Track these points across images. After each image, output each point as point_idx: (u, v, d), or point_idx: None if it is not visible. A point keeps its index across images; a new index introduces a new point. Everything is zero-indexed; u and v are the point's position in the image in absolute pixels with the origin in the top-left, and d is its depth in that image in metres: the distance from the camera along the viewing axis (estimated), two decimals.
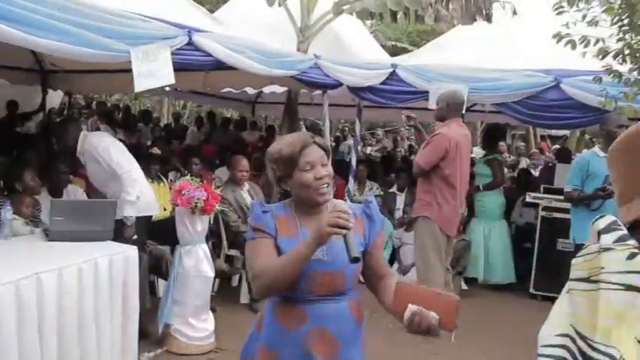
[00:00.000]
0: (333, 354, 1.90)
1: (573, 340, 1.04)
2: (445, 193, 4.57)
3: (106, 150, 4.11)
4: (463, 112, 5.05)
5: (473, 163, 6.14)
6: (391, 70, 5.91)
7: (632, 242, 0.99)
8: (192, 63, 4.39)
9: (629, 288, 0.96)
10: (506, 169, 7.91)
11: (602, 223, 1.03)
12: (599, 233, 1.02)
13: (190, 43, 4.22)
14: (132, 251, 3.62)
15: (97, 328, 3.35)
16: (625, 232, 1.01)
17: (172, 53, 4.08)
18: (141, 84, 3.80)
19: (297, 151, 1.85)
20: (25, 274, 2.90)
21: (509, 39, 6.48)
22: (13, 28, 3.22)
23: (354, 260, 1.73)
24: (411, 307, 1.63)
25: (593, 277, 0.99)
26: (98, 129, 8.27)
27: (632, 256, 0.97)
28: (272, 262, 1.84)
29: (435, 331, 1.62)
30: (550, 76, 5.36)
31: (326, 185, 1.86)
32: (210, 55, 4.37)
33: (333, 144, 12.04)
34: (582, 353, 1.01)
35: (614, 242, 0.99)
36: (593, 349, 1.00)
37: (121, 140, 6.61)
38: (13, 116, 8.10)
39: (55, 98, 8.94)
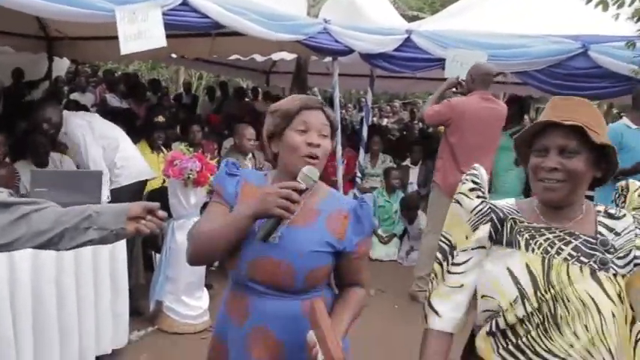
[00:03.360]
0: None
1: None
2: (451, 161, 4.54)
3: (83, 146, 3.97)
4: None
5: None
6: (406, 36, 5.54)
7: (479, 180, 1.57)
8: (189, 25, 4.12)
9: (457, 202, 1.56)
10: None
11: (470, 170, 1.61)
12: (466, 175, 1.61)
13: (185, 3, 3.95)
14: None
15: (79, 306, 3.16)
16: (475, 172, 1.59)
17: (165, 14, 3.83)
18: (128, 46, 3.55)
19: (296, 108, 1.64)
20: None
21: (533, 1, 6.03)
22: None
23: (261, 239, 1.53)
24: (311, 334, 1.48)
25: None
26: (104, 99, 8.08)
27: (472, 190, 1.55)
28: (208, 226, 1.63)
29: None
30: (577, 43, 4.96)
31: (315, 156, 1.61)
32: (206, 16, 4.08)
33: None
34: None
35: (468, 178, 1.58)
36: (441, 235, 1.59)
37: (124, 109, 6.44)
38: (19, 85, 7.92)
39: (62, 66, 8.75)
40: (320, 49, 5.36)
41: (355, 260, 1.69)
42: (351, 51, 5.53)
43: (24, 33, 6.96)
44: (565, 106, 1.46)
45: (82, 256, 3.15)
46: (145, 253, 4.53)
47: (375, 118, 11.99)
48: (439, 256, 1.57)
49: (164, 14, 3.77)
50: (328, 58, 5.93)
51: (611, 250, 1.42)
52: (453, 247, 1.54)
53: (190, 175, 3.69)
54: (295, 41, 5.05)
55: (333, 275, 1.74)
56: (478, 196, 1.53)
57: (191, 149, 3.92)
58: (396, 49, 5.56)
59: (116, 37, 3.64)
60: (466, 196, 1.54)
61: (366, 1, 7.78)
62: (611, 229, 1.46)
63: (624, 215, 1.49)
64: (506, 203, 1.56)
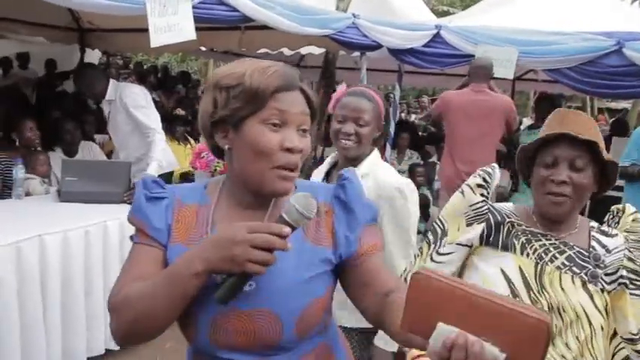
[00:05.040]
0: None
1: None
2: (448, 153, 4.71)
3: (139, 108, 3.94)
4: (497, 75, 4.82)
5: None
6: (435, 31, 5.48)
7: (489, 180, 1.54)
8: (218, 18, 4.13)
9: (461, 192, 1.56)
10: None
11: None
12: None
13: None
14: None
15: (106, 293, 3.21)
16: (489, 170, 1.54)
17: (195, 7, 3.84)
18: (158, 39, 3.58)
19: (270, 88, 1.08)
20: (28, 235, 2.79)
21: None
22: None
23: (219, 300, 1.01)
24: (443, 329, 0.83)
25: None
26: None
27: (479, 186, 1.53)
28: (137, 289, 1.06)
29: None
30: (611, 40, 4.84)
31: (293, 167, 1.10)
32: (236, 9, 4.10)
33: None
34: None
35: (480, 174, 1.55)
36: (438, 218, 1.59)
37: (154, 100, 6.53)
38: (52, 75, 8.08)
39: (93, 57, 8.90)
40: (348, 43, 5.33)
41: (365, 262, 1.16)
42: (379, 46, 5.49)
43: (57, 24, 7.08)
44: (576, 120, 1.46)
45: (109, 244, 3.21)
46: None
47: (402, 114, 11.92)
48: (430, 237, 1.57)
49: (194, 7, 3.80)
50: (356, 53, 5.90)
51: (602, 265, 1.44)
52: (444, 234, 1.54)
53: (217, 168, 3.72)
54: (324, 36, 5.04)
55: (352, 304, 1.20)
56: (482, 194, 1.53)
57: None
58: (424, 45, 5.50)
59: (147, 30, 3.68)
60: (471, 189, 1.54)
61: None
62: (603, 246, 1.48)
63: (616, 235, 1.52)
64: (505, 206, 1.56)
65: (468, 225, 1.51)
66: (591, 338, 1.37)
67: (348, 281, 1.18)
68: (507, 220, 1.51)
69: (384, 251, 1.22)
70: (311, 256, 1.14)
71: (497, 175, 1.56)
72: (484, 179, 1.54)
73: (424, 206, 5.96)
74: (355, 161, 2.06)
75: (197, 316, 1.10)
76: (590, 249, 1.47)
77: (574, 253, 1.45)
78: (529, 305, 0.85)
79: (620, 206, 1.63)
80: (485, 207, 1.52)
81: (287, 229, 0.99)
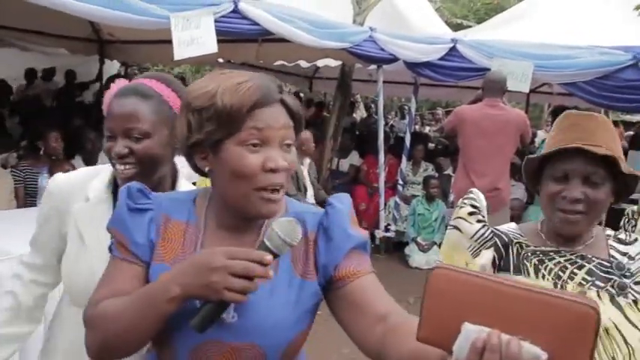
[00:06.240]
0: None
1: None
2: (461, 167, 4.70)
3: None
4: (512, 89, 4.83)
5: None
6: (451, 45, 5.54)
7: (478, 204, 1.44)
8: (239, 32, 4.24)
9: (455, 228, 1.44)
10: None
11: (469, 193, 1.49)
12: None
13: (236, 10, 4.06)
14: None
15: None
16: (473, 196, 1.46)
17: (217, 21, 3.95)
18: (181, 52, 3.67)
19: (245, 107, 0.98)
20: None
21: (582, 13, 5.97)
22: None
23: (195, 328, 0.94)
24: (470, 330, 0.70)
25: None
26: None
27: (471, 214, 1.42)
28: (113, 306, 1.01)
29: None
30: (628, 54, 4.87)
31: (278, 186, 1.02)
32: (256, 23, 4.19)
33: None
34: None
35: (466, 202, 1.45)
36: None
37: None
38: (71, 86, 8.23)
39: (112, 69, 9.04)
40: (365, 57, 5.40)
41: (347, 286, 1.06)
42: (396, 59, 5.56)
43: (78, 36, 7.23)
44: (590, 127, 1.29)
45: None
46: None
47: (417, 126, 11.98)
48: None
49: (216, 21, 3.89)
50: (373, 66, 5.97)
51: (627, 274, 1.30)
52: None
53: None
54: (341, 49, 5.11)
55: (351, 337, 1.06)
56: (478, 220, 1.41)
57: None
58: (441, 58, 5.56)
59: (164, 41, 3.77)
60: (465, 220, 1.42)
61: (412, 9, 7.82)
62: (624, 254, 1.35)
63: (636, 240, 1.39)
64: (508, 227, 1.44)
65: (476, 256, 1.38)
66: (630, 357, 1.22)
67: (335, 310, 1.08)
68: (515, 241, 1.39)
69: (373, 275, 1.09)
70: (299, 291, 1.06)
71: (481, 197, 1.47)
72: (472, 205, 1.43)
73: None
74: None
75: (177, 342, 1.03)
76: (611, 259, 1.33)
77: (594, 265, 1.30)
78: (570, 292, 0.75)
79: (635, 208, 1.50)
80: (489, 231, 1.40)
81: (268, 257, 0.92)
